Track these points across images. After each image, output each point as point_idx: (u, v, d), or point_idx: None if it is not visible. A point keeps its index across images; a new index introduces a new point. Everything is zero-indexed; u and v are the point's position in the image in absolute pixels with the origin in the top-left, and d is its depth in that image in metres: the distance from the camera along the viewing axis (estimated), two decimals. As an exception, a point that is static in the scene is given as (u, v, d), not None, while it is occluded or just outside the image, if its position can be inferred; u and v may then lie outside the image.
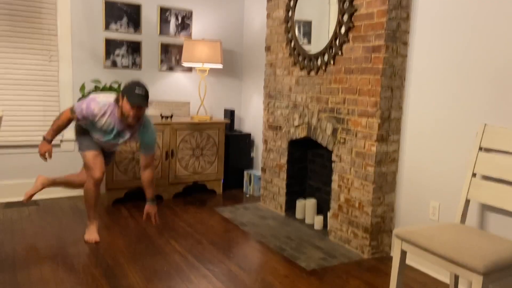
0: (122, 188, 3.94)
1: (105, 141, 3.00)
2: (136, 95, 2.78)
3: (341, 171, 3.14)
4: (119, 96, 2.86)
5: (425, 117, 2.76)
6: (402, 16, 2.79)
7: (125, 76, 4.27)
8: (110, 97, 2.93)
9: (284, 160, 3.80)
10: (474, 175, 2.31)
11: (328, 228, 3.31)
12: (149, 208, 3.15)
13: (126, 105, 2.80)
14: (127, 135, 3.01)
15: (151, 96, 4.42)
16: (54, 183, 3.27)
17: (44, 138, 3.04)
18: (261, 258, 2.88)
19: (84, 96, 3.90)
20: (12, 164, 3.90)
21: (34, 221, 3.41)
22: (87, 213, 3.11)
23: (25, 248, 2.88)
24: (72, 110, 2.93)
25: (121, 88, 2.84)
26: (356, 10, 2.95)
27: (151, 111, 4.27)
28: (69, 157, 4.12)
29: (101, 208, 3.79)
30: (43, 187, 3.24)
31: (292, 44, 3.63)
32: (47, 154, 3.04)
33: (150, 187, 3.14)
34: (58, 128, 3.02)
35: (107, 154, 3.21)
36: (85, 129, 3.02)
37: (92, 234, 3.08)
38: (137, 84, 2.82)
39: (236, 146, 4.56)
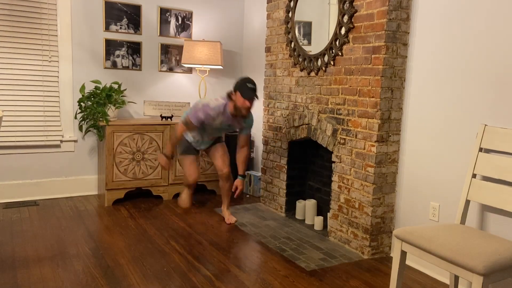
0: (122, 188, 3.93)
1: (214, 133, 3.52)
2: (249, 89, 3.18)
3: (341, 172, 3.15)
4: (230, 93, 3.26)
5: (425, 118, 2.76)
6: (402, 17, 2.80)
7: (125, 77, 4.28)
8: (217, 100, 3.31)
9: (284, 160, 3.80)
10: (474, 176, 2.32)
11: (328, 229, 3.32)
12: (239, 182, 3.53)
13: (240, 100, 3.18)
14: (235, 125, 3.43)
15: (151, 97, 4.43)
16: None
17: (164, 154, 3.48)
18: (261, 259, 2.88)
19: (83, 96, 3.90)
20: (12, 164, 3.90)
21: (34, 222, 3.41)
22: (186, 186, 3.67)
23: (25, 248, 2.88)
24: (187, 122, 3.31)
25: (234, 85, 3.24)
26: (356, 11, 2.96)
27: (151, 112, 4.27)
28: (70, 157, 4.12)
29: (101, 209, 3.80)
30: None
31: (292, 45, 3.63)
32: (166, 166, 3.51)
33: (244, 164, 3.55)
34: (177, 141, 3.48)
35: (216, 139, 3.65)
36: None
37: (185, 199, 3.68)
38: (247, 80, 3.22)
39: (236, 146, 4.55)
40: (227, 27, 4.81)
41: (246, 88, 3.18)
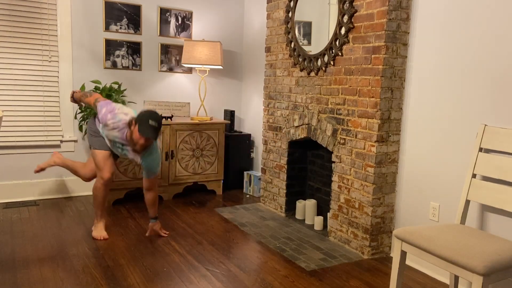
0: (122, 188, 3.94)
1: (110, 143, 3.06)
2: (148, 127, 2.79)
3: (341, 172, 3.15)
4: (132, 120, 2.86)
5: (425, 118, 2.76)
6: (402, 17, 2.80)
7: (125, 77, 4.28)
8: (127, 115, 2.94)
9: (284, 160, 3.80)
10: (474, 176, 2.32)
11: (328, 229, 3.31)
12: (154, 225, 3.19)
13: (136, 134, 2.80)
14: (130, 153, 3.03)
15: (151, 97, 4.43)
16: (64, 164, 3.34)
17: (73, 93, 3.18)
18: (261, 259, 2.88)
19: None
20: (12, 164, 3.90)
21: (34, 222, 3.41)
22: (95, 212, 3.15)
23: (25, 249, 2.88)
24: (95, 104, 3.00)
25: (137, 114, 2.88)
26: (356, 11, 2.96)
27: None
28: (70, 157, 4.12)
29: (101, 209, 3.80)
30: (55, 164, 3.30)
31: (292, 45, 3.63)
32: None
33: (153, 207, 3.15)
34: (82, 102, 3.17)
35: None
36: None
37: (100, 231, 3.13)
38: (151, 116, 2.81)
39: (236, 146, 4.56)
40: (227, 27, 4.81)
41: (146, 125, 2.78)
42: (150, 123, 2.79)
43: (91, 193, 4.22)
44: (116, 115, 2.91)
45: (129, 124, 2.88)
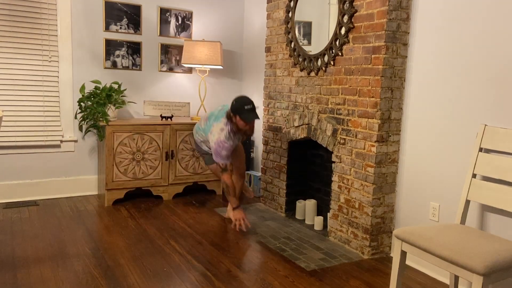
0: (122, 188, 3.93)
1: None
2: (248, 113, 3.16)
3: (341, 172, 3.15)
4: (229, 113, 3.23)
5: (425, 118, 2.76)
6: (402, 17, 2.80)
7: (125, 77, 4.28)
8: (219, 124, 3.26)
9: (284, 160, 3.80)
10: (474, 176, 2.32)
11: (328, 229, 3.31)
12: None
13: (241, 122, 3.19)
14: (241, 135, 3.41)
15: (151, 97, 4.43)
16: (234, 197, 3.43)
17: (234, 208, 3.35)
18: (261, 259, 2.88)
19: (83, 96, 3.90)
20: (12, 164, 3.90)
21: (34, 222, 3.41)
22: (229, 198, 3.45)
23: (25, 248, 2.88)
24: (224, 168, 3.29)
25: (231, 106, 3.22)
26: (356, 11, 2.96)
27: (151, 112, 4.27)
28: (70, 157, 4.12)
29: (101, 209, 3.80)
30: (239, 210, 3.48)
31: (292, 45, 3.63)
32: (244, 221, 3.32)
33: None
34: (234, 190, 3.36)
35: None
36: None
37: (233, 213, 3.41)
38: (244, 103, 3.18)
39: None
40: (227, 27, 4.81)
41: (245, 111, 3.16)
42: (246, 108, 3.15)
43: (91, 193, 4.24)
44: (225, 138, 3.23)
45: (228, 118, 3.24)
